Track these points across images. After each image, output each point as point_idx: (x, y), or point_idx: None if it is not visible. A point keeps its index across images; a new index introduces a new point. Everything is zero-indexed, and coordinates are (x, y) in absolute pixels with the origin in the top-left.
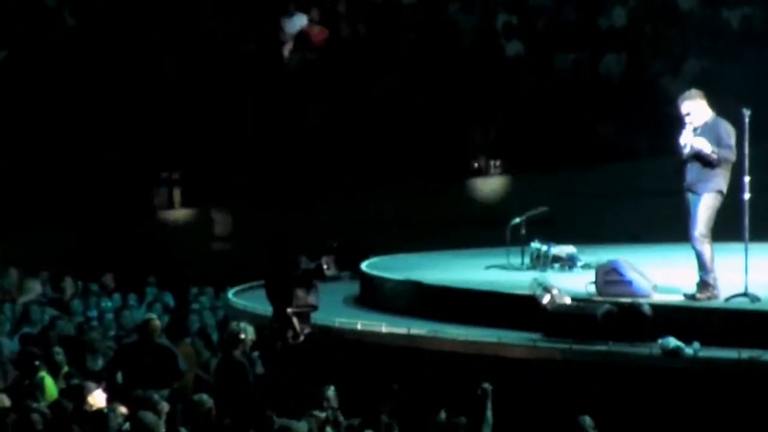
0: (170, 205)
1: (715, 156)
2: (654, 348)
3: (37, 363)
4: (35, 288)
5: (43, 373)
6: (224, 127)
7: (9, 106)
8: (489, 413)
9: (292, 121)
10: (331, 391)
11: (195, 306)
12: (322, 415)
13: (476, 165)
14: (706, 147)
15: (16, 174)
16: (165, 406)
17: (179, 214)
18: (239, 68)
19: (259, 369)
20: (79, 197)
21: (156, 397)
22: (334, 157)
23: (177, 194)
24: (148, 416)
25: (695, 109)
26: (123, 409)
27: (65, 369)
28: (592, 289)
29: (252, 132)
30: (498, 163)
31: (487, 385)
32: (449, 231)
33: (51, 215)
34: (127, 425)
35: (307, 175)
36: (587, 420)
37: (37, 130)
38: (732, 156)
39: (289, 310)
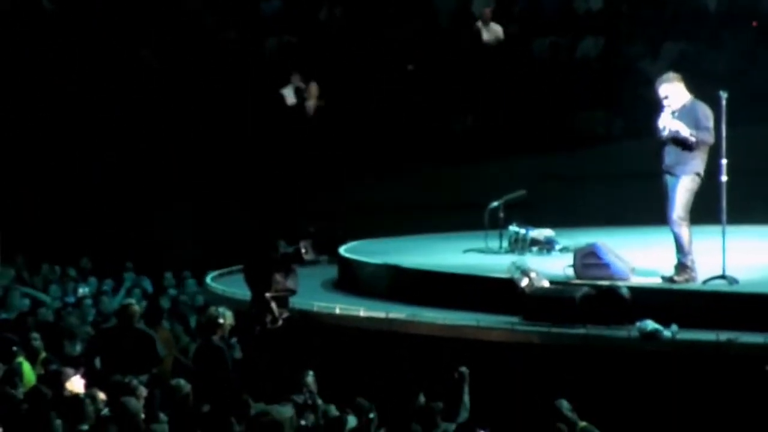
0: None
1: (693, 139)
2: (632, 331)
3: (15, 349)
4: (9, 274)
5: (20, 359)
6: (203, 115)
7: None
8: (466, 397)
9: (270, 109)
10: (309, 377)
11: (172, 291)
12: (300, 399)
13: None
14: (683, 130)
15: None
16: (143, 391)
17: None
18: (220, 57)
19: (238, 354)
20: (56, 182)
21: (134, 382)
22: (311, 144)
23: None
24: (131, 402)
25: (673, 92)
26: (101, 395)
27: (43, 355)
28: (571, 272)
29: (232, 120)
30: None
31: (464, 369)
32: (426, 215)
33: (28, 199)
34: (105, 410)
35: (286, 162)
36: (564, 403)
37: (15, 115)
38: (710, 138)
39: (267, 294)
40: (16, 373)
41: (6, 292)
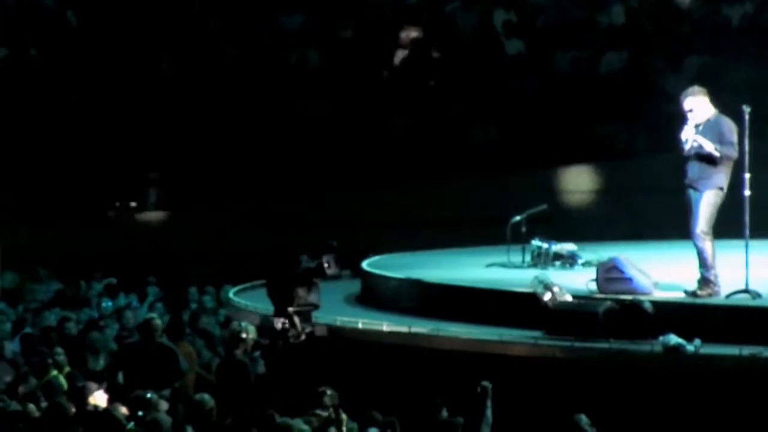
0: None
1: (717, 154)
2: (655, 345)
3: (49, 362)
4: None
5: (55, 372)
6: (223, 128)
7: (7, 104)
8: (489, 412)
9: (292, 121)
10: (329, 392)
11: (194, 306)
12: (324, 414)
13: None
14: (707, 145)
15: (14, 172)
16: (164, 405)
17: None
18: (238, 68)
19: (261, 368)
20: (79, 194)
21: (155, 397)
22: (334, 157)
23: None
24: (163, 417)
25: (697, 105)
26: (124, 410)
27: (67, 369)
28: (593, 286)
29: (251, 132)
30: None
31: (486, 383)
32: (449, 229)
33: (52, 213)
34: (131, 425)
35: (308, 175)
36: (583, 418)
37: (36, 128)
38: (734, 153)
39: (290, 309)
40: (55, 387)
41: (40, 309)
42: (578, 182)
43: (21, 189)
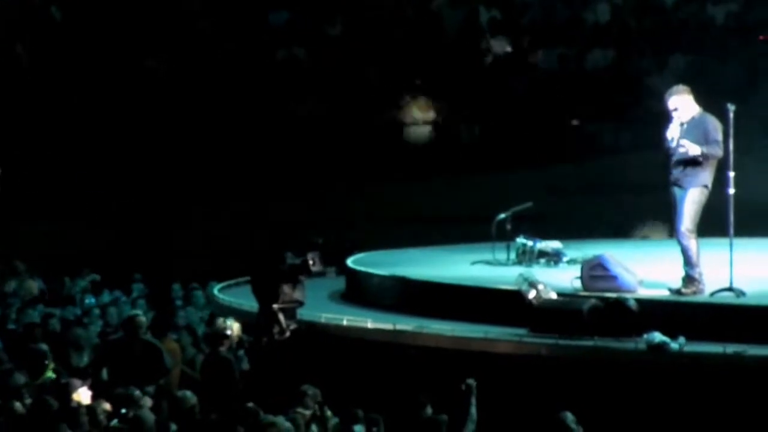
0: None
1: (701, 158)
2: (639, 343)
3: (46, 362)
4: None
5: (50, 373)
6: (210, 125)
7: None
8: (473, 409)
9: (277, 119)
10: (311, 391)
11: (179, 302)
12: (307, 412)
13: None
14: (694, 150)
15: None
16: (148, 402)
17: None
18: (227, 65)
19: (245, 365)
20: (65, 191)
21: (138, 393)
22: (318, 154)
23: None
24: (146, 414)
25: (682, 104)
26: (107, 406)
27: (51, 366)
28: (578, 284)
29: (239, 130)
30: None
31: (471, 381)
32: (434, 226)
33: (37, 210)
34: (114, 422)
35: (292, 172)
36: (569, 416)
37: (22, 126)
38: (719, 151)
39: (274, 306)
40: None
41: (24, 306)
42: (563, 179)
43: (5, 186)
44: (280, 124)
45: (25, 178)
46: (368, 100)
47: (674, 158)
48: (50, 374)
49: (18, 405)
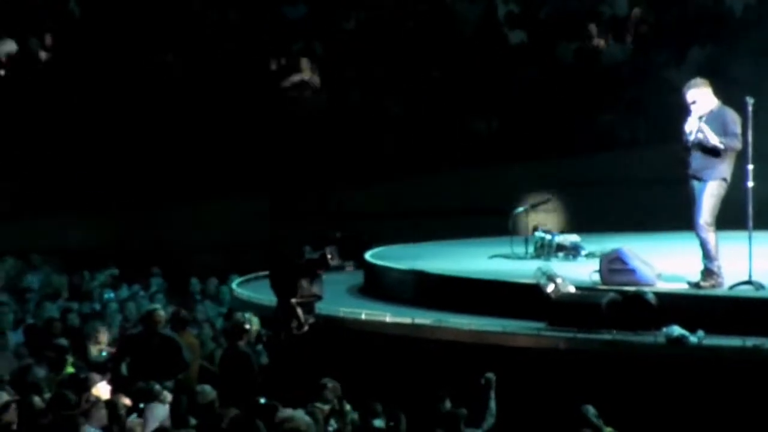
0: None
1: (722, 146)
2: (658, 336)
3: (67, 357)
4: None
5: (70, 368)
6: (226, 120)
7: (19, 98)
8: (492, 403)
9: (293, 112)
10: (330, 384)
11: (197, 297)
12: (326, 407)
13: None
14: (712, 138)
15: (22, 164)
16: (168, 397)
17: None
18: (238, 62)
19: (264, 359)
20: (86, 185)
21: (158, 388)
22: (337, 149)
23: None
24: (158, 408)
25: (701, 97)
26: (126, 401)
27: (70, 360)
28: (596, 277)
29: (258, 125)
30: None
31: (490, 375)
32: (453, 220)
33: (53, 204)
34: (133, 416)
35: (311, 167)
36: (591, 409)
37: (40, 120)
38: (738, 144)
39: (293, 300)
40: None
41: (41, 300)
42: (581, 172)
43: (25, 180)
44: (294, 118)
45: (43, 171)
46: (384, 93)
47: (692, 148)
48: (71, 369)
49: (37, 399)
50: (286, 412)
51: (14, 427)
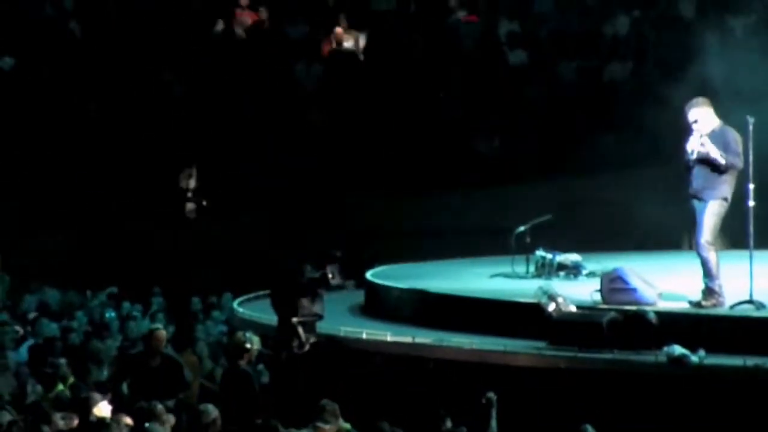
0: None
1: (723, 161)
2: (659, 356)
3: (58, 375)
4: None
5: (61, 387)
6: (227, 136)
7: (16, 113)
8: (494, 422)
9: (293, 129)
10: (329, 407)
11: (199, 316)
12: (327, 426)
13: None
14: (714, 152)
15: (20, 181)
16: (171, 419)
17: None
18: (243, 78)
19: (265, 379)
20: (83, 203)
21: (160, 407)
22: (337, 167)
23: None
24: (157, 428)
25: (702, 116)
26: (128, 420)
27: (71, 380)
28: (597, 297)
29: (257, 142)
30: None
31: (491, 395)
32: (453, 239)
33: (53, 222)
34: None
35: (313, 184)
36: (589, 429)
37: (41, 138)
38: (740, 163)
39: (294, 319)
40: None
41: (36, 318)
42: (583, 192)
43: (25, 197)
44: (297, 135)
45: (42, 190)
46: (385, 112)
47: (694, 168)
48: (60, 388)
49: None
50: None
51: None
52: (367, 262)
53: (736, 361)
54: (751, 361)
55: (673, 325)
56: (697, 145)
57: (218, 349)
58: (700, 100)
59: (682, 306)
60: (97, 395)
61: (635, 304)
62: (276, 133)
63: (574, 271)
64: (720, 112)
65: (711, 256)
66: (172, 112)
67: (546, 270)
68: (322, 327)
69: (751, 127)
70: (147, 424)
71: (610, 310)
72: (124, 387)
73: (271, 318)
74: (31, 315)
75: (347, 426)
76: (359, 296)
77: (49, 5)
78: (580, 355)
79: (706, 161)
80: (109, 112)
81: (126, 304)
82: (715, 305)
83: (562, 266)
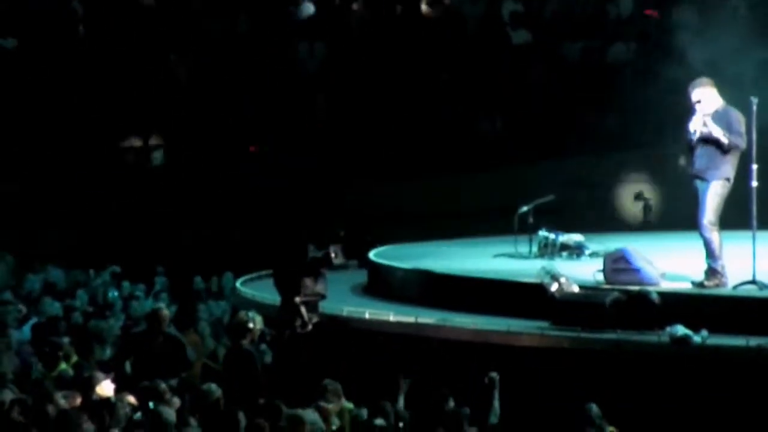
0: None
1: (726, 140)
2: (662, 336)
3: (60, 354)
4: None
5: (64, 365)
6: (232, 122)
7: (18, 94)
8: (496, 402)
9: (299, 114)
10: (331, 386)
11: (203, 295)
12: (329, 406)
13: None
14: (717, 131)
15: (23, 162)
16: (176, 400)
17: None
18: (249, 64)
19: (268, 358)
20: (85, 187)
21: (163, 386)
22: (340, 149)
23: None
24: (166, 411)
25: (706, 96)
26: (131, 399)
27: (74, 359)
28: (600, 277)
29: (261, 125)
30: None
31: (494, 374)
32: (456, 220)
33: (56, 206)
34: (138, 415)
35: (316, 166)
36: (594, 408)
37: (45, 121)
38: (742, 143)
39: (297, 299)
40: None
41: (39, 297)
42: (585, 172)
43: (25, 180)
44: (302, 119)
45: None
46: (388, 94)
47: (696, 148)
48: (63, 366)
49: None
50: (290, 411)
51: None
52: (370, 242)
53: (738, 341)
54: (753, 342)
55: (676, 305)
56: (699, 125)
57: (220, 328)
58: (704, 80)
59: (685, 286)
60: (100, 374)
61: (638, 284)
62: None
63: (577, 251)
64: (723, 93)
65: (714, 236)
66: (177, 96)
67: (549, 250)
68: (325, 306)
69: (754, 108)
70: (154, 405)
71: (613, 290)
72: (127, 366)
73: (274, 297)
74: (35, 294)
75: (350, 405)
76: (362, 276)
77: None
78: (583, 335)
79: (708, 141)
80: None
81: (128, 284)
82: (717, 285)
83: (565, 246)
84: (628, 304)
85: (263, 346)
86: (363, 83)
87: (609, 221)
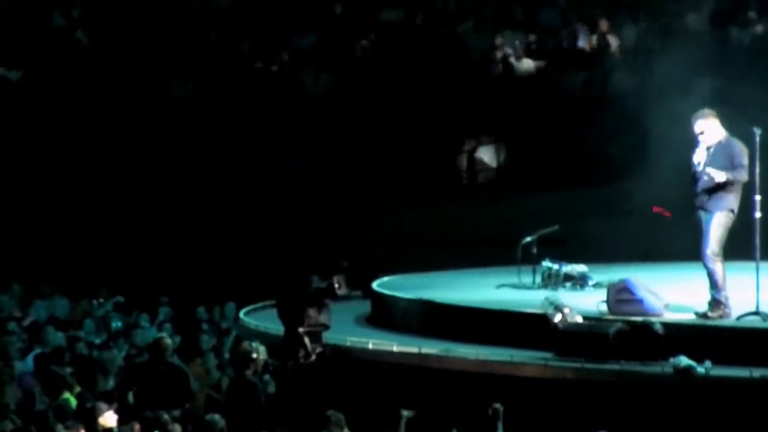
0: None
1: (729, 178)
2: (666, 367)
3: (62, 384)
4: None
5: (67, 395)
6: (233, 146)
7: (24, 124)
8: None
9: (302, 140)
10: (335, 417)
11: (205, 326)
12: None
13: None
14: (719, 177)
15: (27, 190)
16: (177, 429)
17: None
18: (253, 88)
19: (271, 389)
20: (89, 214)
21: (166, 417)
22: (344, 178)
23: None
24: None
25: (708, 127)
26: (137, 427)
27: (77, 389)
28: (604, 307)
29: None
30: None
31: (498, 405)
32: (459, 250)
33: (59, 232)
34: None
35: (320, 196)
36: None
37: (46, 150)
38: (745, 176)
39: (300, 329)
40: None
41: (42, 327)
42: (589, 203)
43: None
44: (303, 145)
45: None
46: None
47: (700, 184)
48: (66, 396)
49: None
50: None
51: None
52: (373, 273)
53: (742, 372)
54: (757, 373)
55: (680, 336)
56: (703, 158)
57: (223, 358)
58: (706, 111)
59: (688, 317)
60: (102, 405)
61: (642, 314)
62: (277, 136)
63: (580, 281)
64: (726, 124)
65: (717, 267)
66: (179, 122)
67: (552, 280)
68: (329, 337)
69: (757, 139)
70: None
71: (616, 320)
72: (130, 396)
73: (277, 328)
74: (41, 322)
75: None
76: (366, 306)
77: (58, 14)
78: (587, 365)
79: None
80: (116, 122)
81: (132, 314)
82: (721, 316)
83: (568, 277)
84: (631, 335)
85: (267, 377)
86: (366, 111)
87: (612, 252)
